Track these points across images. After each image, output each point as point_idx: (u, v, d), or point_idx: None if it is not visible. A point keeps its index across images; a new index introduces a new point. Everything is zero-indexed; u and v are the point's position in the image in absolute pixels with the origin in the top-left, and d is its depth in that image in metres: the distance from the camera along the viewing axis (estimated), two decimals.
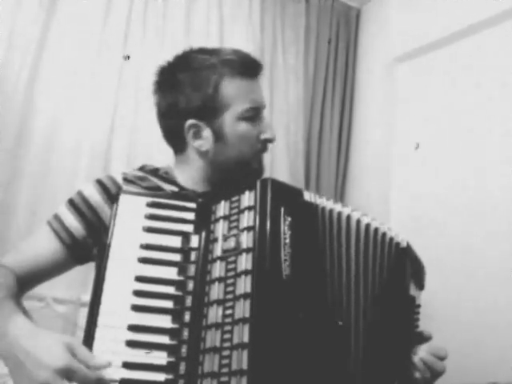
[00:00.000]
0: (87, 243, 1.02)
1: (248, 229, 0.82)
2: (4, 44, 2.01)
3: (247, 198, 0.85)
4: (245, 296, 0.78)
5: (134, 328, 0.81)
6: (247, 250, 0.81)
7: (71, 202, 1.04)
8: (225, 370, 0.76)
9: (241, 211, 0.84)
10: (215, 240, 0.86)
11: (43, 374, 0.71)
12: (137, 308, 0.82)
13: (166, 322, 0.82)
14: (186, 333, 0.82)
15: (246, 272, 0.79)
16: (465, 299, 1.96)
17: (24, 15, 2.07)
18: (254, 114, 1.04)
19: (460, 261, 2.01)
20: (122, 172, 1.08)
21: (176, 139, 1.08)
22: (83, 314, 1.95)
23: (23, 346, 0.74)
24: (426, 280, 1.08)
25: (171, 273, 0.86)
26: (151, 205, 0.89)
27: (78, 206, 1.02)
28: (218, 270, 0.84)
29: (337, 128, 2.68)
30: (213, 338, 0.79)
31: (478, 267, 1.95)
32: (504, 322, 1.82)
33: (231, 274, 0.81)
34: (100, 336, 0.79)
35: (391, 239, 0.97)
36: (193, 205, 0.91)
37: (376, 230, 0.95)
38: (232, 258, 0.82)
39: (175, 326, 0.82)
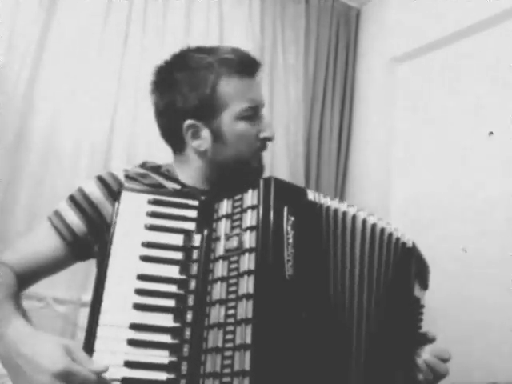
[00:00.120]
0: (88, 240, 1.01)
1: (251, 228, 0.82)
2: (4, 44, 2.01)
3: (250, 197, 0.84)
4: (247, 296, 0.77)
5: (135, 327, 0.80)
6: (250, 250, 0.80)
7: (72, 199, 1.03)
8: (227, 370, 0.75)
9: (244, 210, 0.84)
10: (217, 239, 0.86)
11: (42, 378, 0.70)
12: (139, 306, 0.82)
13: (167, 320, 0.82)
14: (188, 332, 0.81)
15: (248, 272, 0.79)
16: (464, 299, 1.96)
17: (24, 15, 2.07)
18: (252, 113, 1.04)
19: (460, 261, 2.01)
20: (124, 169, 1.07)
21: (174, 139, 1.08)
22: (83, 314, 1.95)
23: (21, 349, 0.73)
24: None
25: (173, 271, 0.85)
26: (153, 202, 0.89)
27: (79, 202, 1.02)
28: (220, 269, 0.83)
29: (337, 128, 2.68)
30: (215, 338, 0.79)
31: (477, 267, 1.95)
32: (504, 321, 1.82)
33: (234, 273, 0.81)
34: (101, 335, 0.79)
35: (397, 239, 0.96)
36: (195, 203, 0.90)
37: (382, 230, 0.95)
38: (234, 258, 0.82)
39: (177, 324, 0.82)
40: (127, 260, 0.84)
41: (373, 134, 2.60)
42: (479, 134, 2.06)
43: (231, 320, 0.78)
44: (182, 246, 0.87)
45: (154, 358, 0.79)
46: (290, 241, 0.81)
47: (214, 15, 2.45)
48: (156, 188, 1.03)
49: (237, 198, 0.86)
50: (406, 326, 0.94)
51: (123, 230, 0.86)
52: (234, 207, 0.86)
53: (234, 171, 1.05)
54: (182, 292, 0.84)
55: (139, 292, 0.82)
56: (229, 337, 0.77)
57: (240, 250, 0.81)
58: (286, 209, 0.83)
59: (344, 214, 0.91)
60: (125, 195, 0.89)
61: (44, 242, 1.01)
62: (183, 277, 0.85)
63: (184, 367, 0.79)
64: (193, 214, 0.89)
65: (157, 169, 1.09)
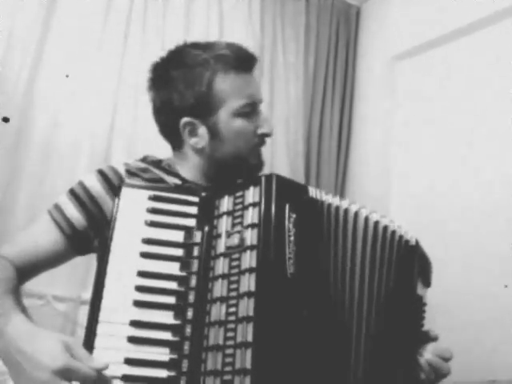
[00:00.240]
0: (88, 234, 1.01)
1: (252, 226, 0.81)
2: (4, 44, 2.00)
3: (251, 194, 0.84)
4: (249, 294, 0.77)
5: (135, 324, 0.80)
6: (251, 248, 0.80)
7: (72, 192, 1.02)
8: (228, 368, 0.75)
9: (245, 207, 0.83)
10: (218, 236, 0.85)
11: (42, 374, 0.70)
12: (139, 303, 0.81)
13: (168, 318, 0.81)
14: (188, 329, 0.81)
15: (250, 270, 0.78)
16: (464, 298, 1.96)
17: (24, 15, 2.07)
18: (250, 110, 1.02)
19: (460, 260, 2.01)
20: (125, 163, 1.06)
21: (172, 136, 1.07)
22: (83, 311, 1.95)
23: (21, 346, 0.73)
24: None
25: (173, 268, 0.85)
26: (153, 198, 0.88)
27: (80, 196, 1.01)
28: (221, 266, 0.83)
29: (337, 126, 2.68)
30: (216, 336, 0.78)
31: (477, 267, 1.94)
32: (503, 320, 1.81)
33: (235, 271, 0.80)
34: (102, 332, 0.78)
35: (401, 237, 0.96)
36: (196, 199, 0.90)
37: (385, 227, 0.94)
38: (236, 255, 0.81)
39: (178, 322, 0.81)
40: (127, 256, 0.84)
41: (373, 132, 2.60)
42: (479, 131, 2.05)
43: (232, 318, 0.78)
44: (183, 243, 0.86)
45: (155, 356, 0.79)
46: (292, 238, 0.81)
47: (213, 14, 2.45)
48: (157, 182, 1.03)
49: (238, 194, 0.85)
50: (408, 324, 0.94)
51: (123, 226, 0.86)
52: (235, 204, 0.85)
53: (233, 168, 1.04)
54: (182, 289, 0.83)
55: (139, 289, 0.82)
56: (230, 334, 0.77)
57: (241, 248, 0.81)
58: (287, 206, 0.82)
59: (346, 211, 0.90)
60: (125, 191, 0.89)
61: (43, 235, 1.00)
62: (184, 274, 0.84)
63: (184, 365, 0.79)
64: (193, 210, 0.89)
65: (158, 163, 1.09)
